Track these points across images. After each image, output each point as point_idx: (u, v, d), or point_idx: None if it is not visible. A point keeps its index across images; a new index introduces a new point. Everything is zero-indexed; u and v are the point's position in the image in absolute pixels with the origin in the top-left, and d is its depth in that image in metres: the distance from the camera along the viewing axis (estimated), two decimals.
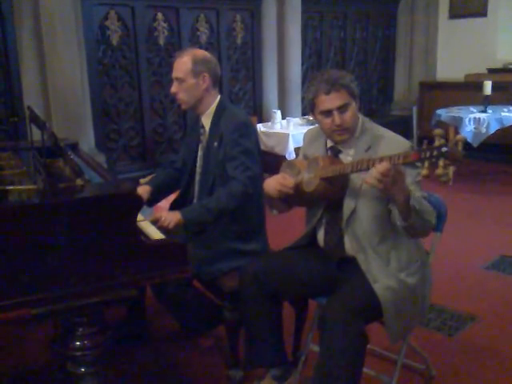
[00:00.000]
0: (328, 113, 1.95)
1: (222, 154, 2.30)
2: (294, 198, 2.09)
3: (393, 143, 1.94)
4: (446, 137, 1.54)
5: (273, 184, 2.07)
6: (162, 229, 2.12)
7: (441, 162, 1.57)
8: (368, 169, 1.81)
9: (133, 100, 4.85)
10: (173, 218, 2.20)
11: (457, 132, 5.20)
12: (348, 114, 1.95)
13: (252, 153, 2.29)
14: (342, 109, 1.93)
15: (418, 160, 1.62)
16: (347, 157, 2.03)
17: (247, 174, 2.24)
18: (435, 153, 1.58)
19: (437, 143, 1.58)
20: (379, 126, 2.06)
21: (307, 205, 2.18)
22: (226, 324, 2.33)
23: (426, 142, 1.63)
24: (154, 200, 2.52)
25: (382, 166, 1.67)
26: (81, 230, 1.62)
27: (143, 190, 2.44)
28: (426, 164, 1.59)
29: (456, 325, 2.79)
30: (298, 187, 2.04)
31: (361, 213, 1.97)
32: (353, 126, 1.98)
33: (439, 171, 1.57)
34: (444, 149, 1.56)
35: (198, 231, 2.35)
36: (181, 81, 2.33)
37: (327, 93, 1.92)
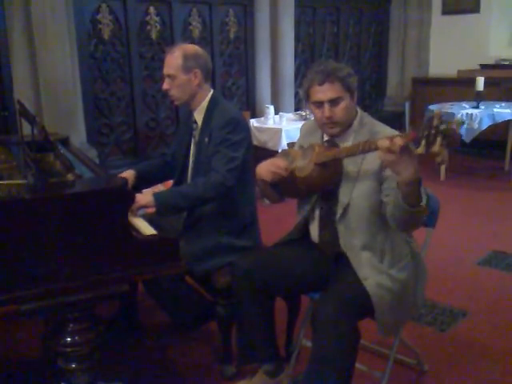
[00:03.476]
0: (319, 104, 1.94)
1: (211, 150, 2.30)
2: (287, 186, 2.07)
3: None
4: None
5: (266, 166, 2.06)
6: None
7: (438, 140, 1.56)
8: (363, 152, 1.80)
9: (125, 94, 4.82)
10: (142, 198, 2.18)
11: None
12: (339, 108, 1.93)
13: (238, 145, 2.27)
14: (334, 102, 1.92)
15: (416, 138, 1.59)
16: None
17: (229, 166, 2.23)
18: (433, 131, 1.56)
19: (435, 121, 1.58)
20: (377, 122, 2.05)
21: (300, 194, 2.15)
22: (219, 319, 2.33)
23: (424, 122, 1.62)
24: (137, 185, 2.50)
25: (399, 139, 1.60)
26: (71, 226, 1.61)
27: (128, 174, 2.43)
28: (423, 142, 1.58)
29: (448, 320, 2.80)
30: (291, 174, 2.02)
31: (356, 207, 1.96)
32: (344, 121, 1.97)
33: (435, 148, 1.56)
34: (443, 126, 1.55)
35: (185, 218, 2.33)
36: (172, 77, 2.31)
37: (320, 84, 1.91)
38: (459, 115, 5.08)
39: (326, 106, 1.92)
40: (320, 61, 2.04)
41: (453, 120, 1.58)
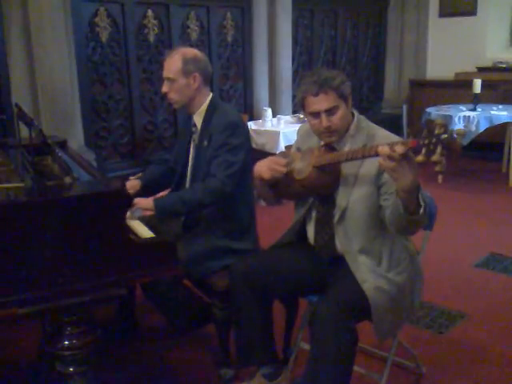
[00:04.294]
0: (316, 114, 1.93)
1: (210, 153, 2.30)
2: (283, 186, 2.07)
3: (387, 140, 1.92)
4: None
5: (265, 163, 2.05)
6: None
7: (438, 149, 1.56)
8: (363, 157, 1.80)
9: (122, 97, 4.81)
10: (143, 202, 2.19)
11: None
12: (336, 117, 1.92)
13: (238, 149, 2.27)
14: (330, 111, 1.91)
15: (416, 147, 1.59)
16: None
17: (228, 171, 2.23)
18: (434, 140, 1.56)
19: (437, 131, 1.58)
20: (374, 125, 2.04)
21: (296, 196, 2.15)
22: (216, 322, 2.33)
23: (425, 130, 1.62)
24: (143, 195, 2.51)
25: (399, 147, 1.59)
26: (69, 229, 1.61)
27: (132, 185, 2.44)
28: (424, 151, 1.58)
29: (446, 322, 2.80)
30: (289, 175, 2.02)
31: (354, 210, 1.96)
32: (341, 128, 1.97)
33: (435, 157, 1.56)
34: (444, 136, 1.55)
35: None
36: (172, 81, 2.32)
37: (315, 95, 1.90)
38: (456, 117, 5.09)
39: (323, 115, 1.91)
40: (313, 70, 2.01)
41: (455, 129, 1.59)
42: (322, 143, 2.06)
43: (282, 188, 2.08)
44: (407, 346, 2.39)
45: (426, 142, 1.58)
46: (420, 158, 1.58)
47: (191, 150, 2.46)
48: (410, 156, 1.61)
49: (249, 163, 2.36)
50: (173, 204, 2.24)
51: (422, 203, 1.72)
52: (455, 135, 1.57)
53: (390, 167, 1.63)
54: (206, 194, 2.23)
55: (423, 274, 2.14)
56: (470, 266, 3.52)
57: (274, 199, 2.19)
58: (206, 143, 2.34)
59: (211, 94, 2.41)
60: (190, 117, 2.46)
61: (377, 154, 1.68)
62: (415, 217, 1.73)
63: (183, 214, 2.30)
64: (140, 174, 2.62)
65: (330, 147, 2.03)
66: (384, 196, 1.90)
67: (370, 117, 2.11)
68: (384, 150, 1.62)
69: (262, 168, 2.06)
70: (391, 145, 1.62)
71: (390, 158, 1.61)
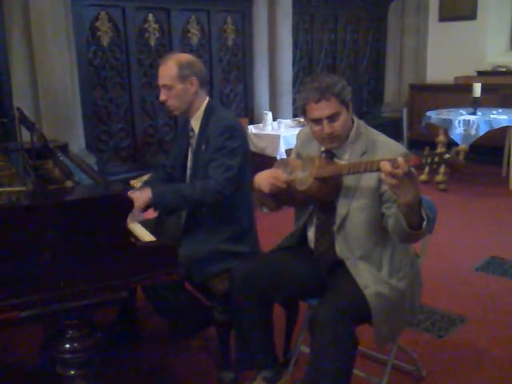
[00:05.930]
0: (318, 121, 1.93)
1: (207, 157, 2.30)
2: (285, 196, 2.08)
3: (388, 149, 1.92)
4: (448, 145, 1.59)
5: (265, 177, 2.06)
6: None
7: (441, 169, 1.58)
8: (365, 172, 1.81)
9: (123, 101, 4.83)
10: (142, 195, 2.18)
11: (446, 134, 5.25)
12: (338, 123, 1.92)
13: (236, 153, 2.28)
14: (332, 118, 1.91)
15: (418, 165, 1.60)
16: (342, 161, 2.01)
17: (226, 175, 2.24)
18: (436, 159, 1.57)
19: (439, 150, 1.58)
20: (375, 131, 2.05)
21: (298, 205, 2.17)
22: (217, 326, 2.33)
23: (427, 148, 1.63)
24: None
25: (402, 163, 1.60)
26: (70, 232, 1.61)
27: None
28: (427, 170, 1.60)
29: (446, 326, 2.81)
30: (290, 185, 2.03)
31: (354, 218, 1.97)
32: (343, 134, 1.97)
33: (439, 178, 1.58)
34: (446, 155, 1.56)
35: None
36: (169, 88, 2.31)
37: (317, 102, 1.89)
38: (456, 121, 5.10)
39: (325, 122, 1.91)
40: (313, 76, 2.00)
41: (457, 148, 1.58)
42: (323, 149, 2.07)
43: (283, 197, 2.10)
44: (407, 349, 2.40)
45: (429, 160, 1.58)
46: (423, 177, 1.60)
47: (189, 154, 2.46)
48: (412, 172, 1.62)
49: (247, 166, 2.37)
50: (172, 198, 2.24)
51: (425, 217, 1.73)
52: (458, 155, 1.56)
53: (392, 183, 1.64)
54: (205, 194, 2.22)
55: (422, 277, 2.14)
56: (471, 270, 3.52)
57: (275, 206, 2.20)
58: (203, 147, 2.34)
59: (208, 98, 2.41)
60: (187, 121, 2.47)
61: (378, 169, 1.69)
62: (418, 232, 1.75)
63: (180, 209, 2.31)
64: (139, 179, 2.62)
65: (330, 155, 2.03)
66: (386, 204, 1.91)
67: (369, 120, 2.13)
68: (386, 166, 1.63)
69: (262, 182, 2.07)
70: (393, 161, 1.63)
71: (391, 175, 1.62)
